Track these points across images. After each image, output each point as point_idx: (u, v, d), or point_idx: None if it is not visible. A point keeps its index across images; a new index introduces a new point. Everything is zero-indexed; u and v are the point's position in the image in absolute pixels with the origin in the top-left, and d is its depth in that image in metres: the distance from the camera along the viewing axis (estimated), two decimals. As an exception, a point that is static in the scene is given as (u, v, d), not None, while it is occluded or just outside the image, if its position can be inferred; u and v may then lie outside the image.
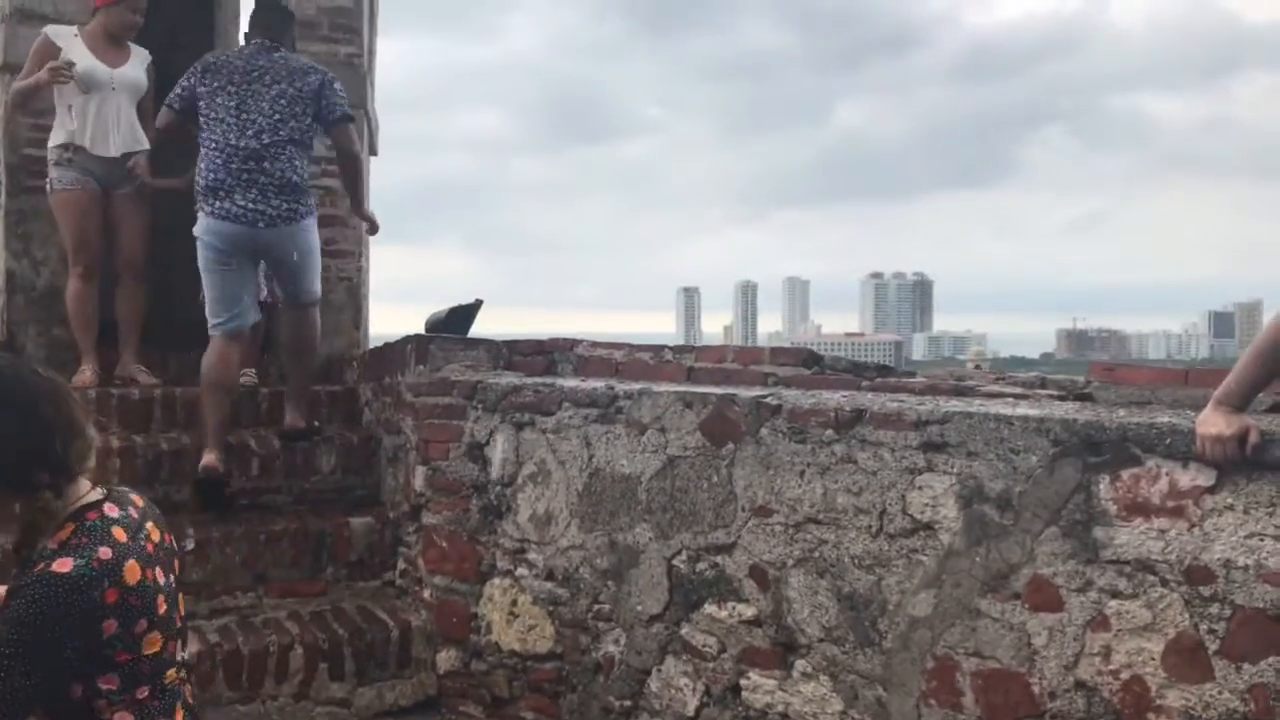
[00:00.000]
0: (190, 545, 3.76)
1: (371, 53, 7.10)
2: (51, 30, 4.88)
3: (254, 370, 5.10)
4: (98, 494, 1.68)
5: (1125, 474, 2.40)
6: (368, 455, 4.47)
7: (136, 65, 5.01)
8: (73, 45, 4.80)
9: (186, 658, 1.79)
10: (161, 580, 1.68)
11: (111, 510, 1.65)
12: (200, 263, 4.27)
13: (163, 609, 1.67)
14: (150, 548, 1.68)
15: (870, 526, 2.76)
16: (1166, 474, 2.36)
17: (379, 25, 7.77)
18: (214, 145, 4.21)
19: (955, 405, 2.77)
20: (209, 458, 4.03)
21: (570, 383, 3.51)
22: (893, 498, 2.73)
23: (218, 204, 4.18)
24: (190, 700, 1.79)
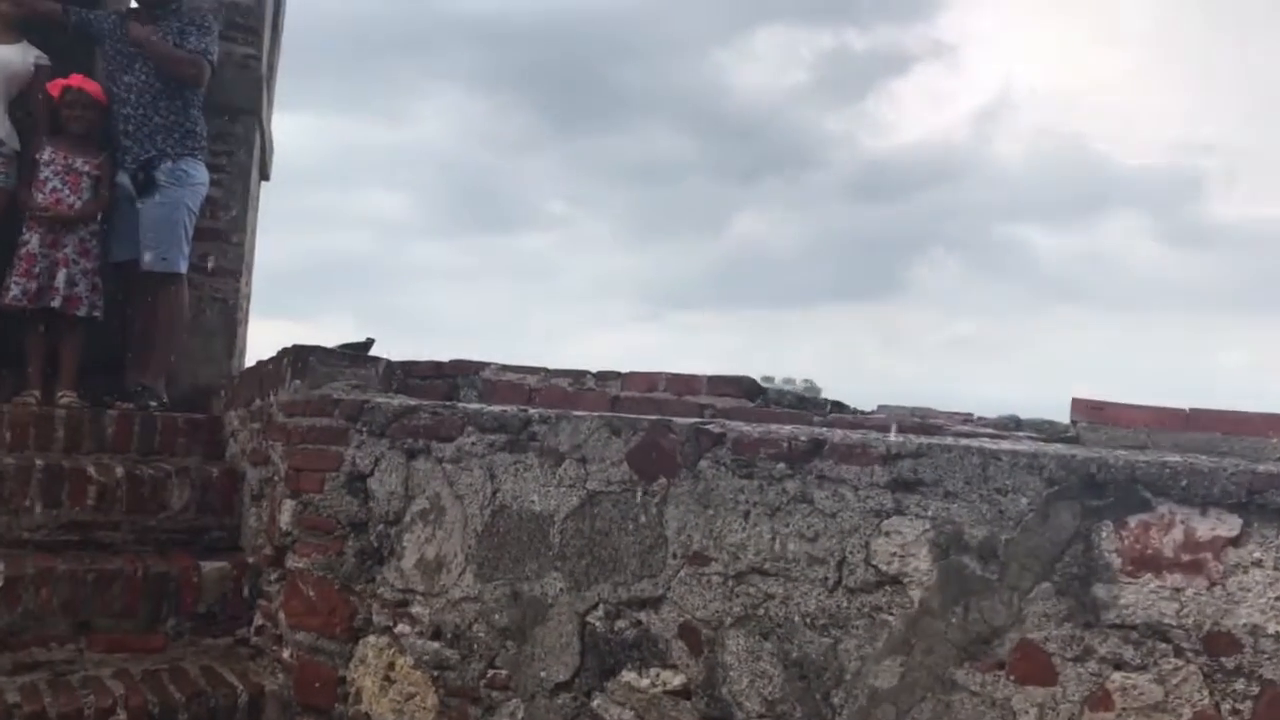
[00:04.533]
0: (-3, 583, 3.19)
1: (271, 68, 6.71)
2: None
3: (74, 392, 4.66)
4: None
5: (1133, 521, 2.10)
6: (229, 492, 3.96)
7: (17, 51, 4.70)
8: None
9: None
10: None
11: None
12: (197, 207, 4.98)
13: None
14: None
15: (826, 579, 2.40)
16: (1182, 522, 2.06)
17: (282, 43, 7.40)
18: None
19: (930, 439, 2.45)
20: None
21: (475, 406, 3.10)
22: (854, 545, 2.38)
23: None
24: None
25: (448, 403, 3.19)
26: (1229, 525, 2.02)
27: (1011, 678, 2.18)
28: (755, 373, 3.21)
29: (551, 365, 3.46)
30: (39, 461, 3.75)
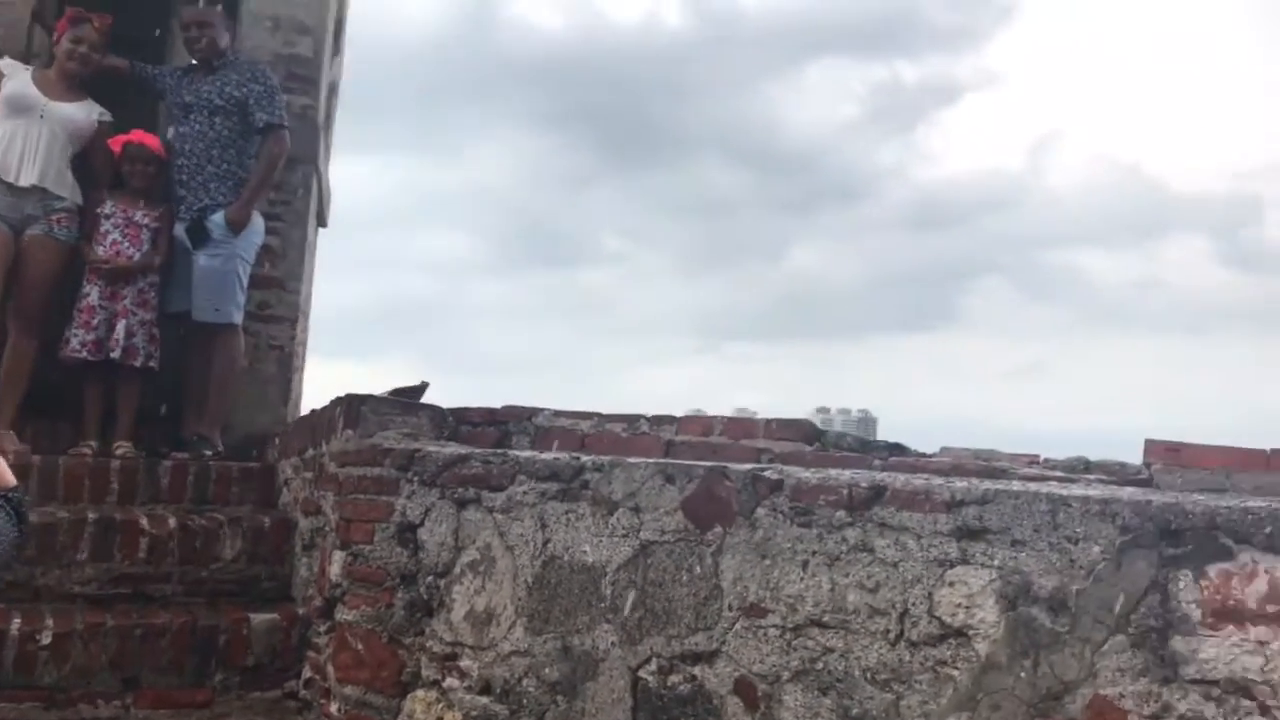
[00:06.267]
0: (46, 639, 3.23)
1: (329, 116, 6.86)
2: (5, 62, 4.92)
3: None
4: None
5: (1213, 570, 2.02)
6: (280, 541, 3.99)
7: (82, 109, 4.90)
8: (17, 74, 4.80)
9: None
10: None
11: None
12: (252, 256, 5.09)
13: None
14: None
15: (888, 631, 2.34)
16: (1266, 571, 1.98)
17: (339, 93, 7.55)
18: None
19: (997, 484, 2.39)
20: None
21: (527, 453, 3.10)
22: (917, 596, 2.32)
23: None
24: None
25: (499, 450, 3.19)
26: (1317, 575, 1.94)
27: (1087, 736, 2.10)
28: (811, 403, 3.18)
29: (609, 399, 3.49)
30: (91, 514, 3.81)
